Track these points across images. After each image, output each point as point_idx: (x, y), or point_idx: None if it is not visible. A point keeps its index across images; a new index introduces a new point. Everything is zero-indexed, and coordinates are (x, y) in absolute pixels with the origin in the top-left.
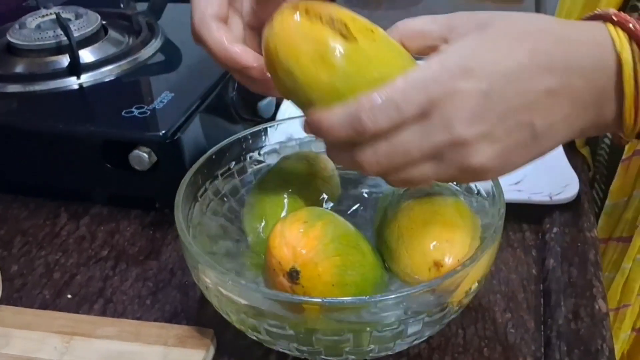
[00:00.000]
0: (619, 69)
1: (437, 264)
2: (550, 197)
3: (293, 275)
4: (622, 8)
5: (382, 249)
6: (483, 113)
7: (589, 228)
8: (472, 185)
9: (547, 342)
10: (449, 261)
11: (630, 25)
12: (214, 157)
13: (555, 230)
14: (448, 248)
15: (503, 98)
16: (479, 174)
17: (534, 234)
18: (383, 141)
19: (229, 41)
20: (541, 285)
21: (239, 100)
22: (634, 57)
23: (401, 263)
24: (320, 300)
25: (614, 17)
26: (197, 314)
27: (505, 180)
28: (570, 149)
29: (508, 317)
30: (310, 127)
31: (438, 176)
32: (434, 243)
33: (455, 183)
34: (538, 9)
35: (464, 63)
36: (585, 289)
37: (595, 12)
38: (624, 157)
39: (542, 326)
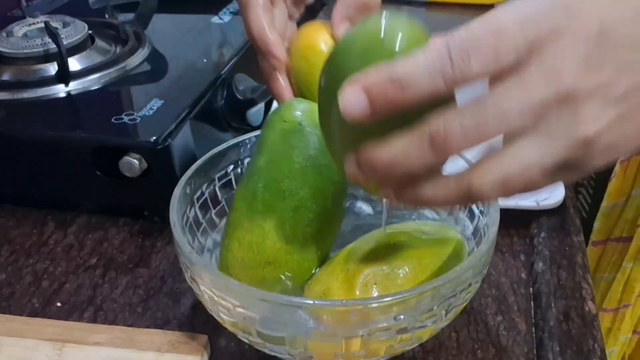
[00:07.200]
0: None
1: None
2: (537, 203)
3: None
4: None
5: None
6: (595, 61)
7: (575, 232)
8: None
9: (540, 343)
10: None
11: None
12: (212, 159)
13: (542, 234)
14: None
15: (620, 45)
16: (589, 155)
17: (521, 239)
18: (472, 111)
19: (269, 27)
20: (531, 288)
21: (228, 108)
22: None
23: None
24: (312, 301)
25: None
26: (190, 320)
27: None
28: None
29: (500, 319)
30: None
31: (542, 159)
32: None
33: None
34: None
35: (564, 1)
36: (574, 290)
37: None
38: (622, 157)
39: (534, 328)
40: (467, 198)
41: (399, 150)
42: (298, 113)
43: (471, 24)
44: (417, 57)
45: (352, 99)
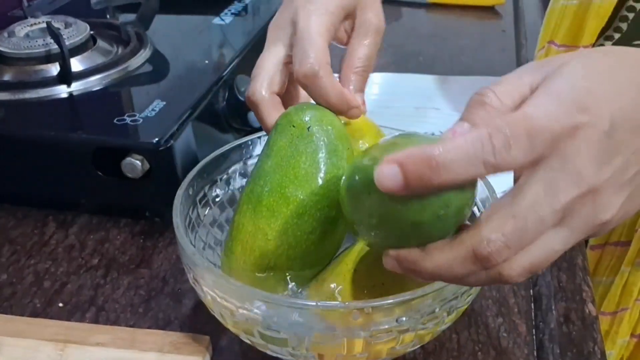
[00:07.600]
0: None
1: None
2: None
3: None
4: (617, 8)
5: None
6: (608, 155)
7: None
8: None
9: (540, 345)
10: None
11: None
12: (214, 161)
13: None
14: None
15: (627, 134)
16: (603, 230)
17: None
18: (510, 219)
19: (340, 87)
20: (531, 290)
21: (229, 110)
22: None
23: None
24: (314, 303)
25: None
26: (191, 321)
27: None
28: None
29: (500, 321)
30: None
31: (565, 246)
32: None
33: None
34: (517, 22)
35: (579, 99)
36: (575, 293)
37: None
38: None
39: (534, 330)
40: (498, 282)
41: (443, 262)
42: (307, 118)
43: (506, 114)
44: (457, 142)
45: (387, 171)
